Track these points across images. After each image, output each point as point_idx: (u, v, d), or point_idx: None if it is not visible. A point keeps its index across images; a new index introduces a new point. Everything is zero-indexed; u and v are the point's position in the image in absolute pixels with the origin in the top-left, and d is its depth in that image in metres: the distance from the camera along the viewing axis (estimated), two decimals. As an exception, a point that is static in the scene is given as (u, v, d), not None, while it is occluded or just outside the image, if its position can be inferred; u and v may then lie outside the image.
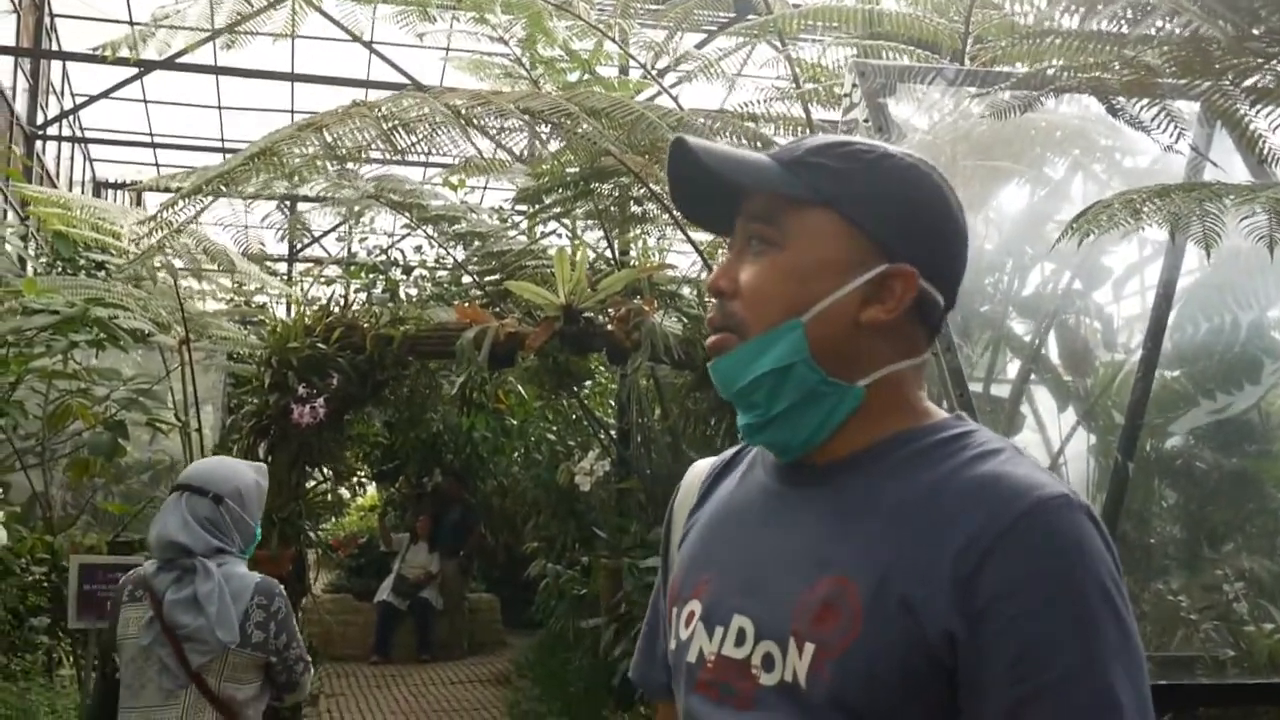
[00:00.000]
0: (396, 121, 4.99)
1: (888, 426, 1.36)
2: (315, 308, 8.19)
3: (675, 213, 6.73)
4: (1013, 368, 7.68)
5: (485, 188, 14.79)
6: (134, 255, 6.77)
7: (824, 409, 1.36)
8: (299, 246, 17.28)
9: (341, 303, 8.10)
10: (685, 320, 7.33)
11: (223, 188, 5.56)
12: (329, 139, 4.85)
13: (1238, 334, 6.24)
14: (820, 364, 1.35)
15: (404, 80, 13.22)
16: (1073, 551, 1.18)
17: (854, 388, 1.36)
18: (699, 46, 9.27)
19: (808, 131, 7.10)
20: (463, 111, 5.10)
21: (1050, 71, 4.08)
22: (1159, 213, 3.09)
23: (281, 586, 3.75)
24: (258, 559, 4.50)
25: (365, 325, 7.03)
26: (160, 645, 3.54)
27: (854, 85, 4.31)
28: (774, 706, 1.28)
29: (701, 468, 1.70)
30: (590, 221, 8.94)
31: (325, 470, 7.76)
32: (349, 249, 14.16)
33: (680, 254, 10.44)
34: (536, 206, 8.70)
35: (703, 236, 8.63)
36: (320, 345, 6.82)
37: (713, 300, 1.42)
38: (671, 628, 1.49)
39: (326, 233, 15.00)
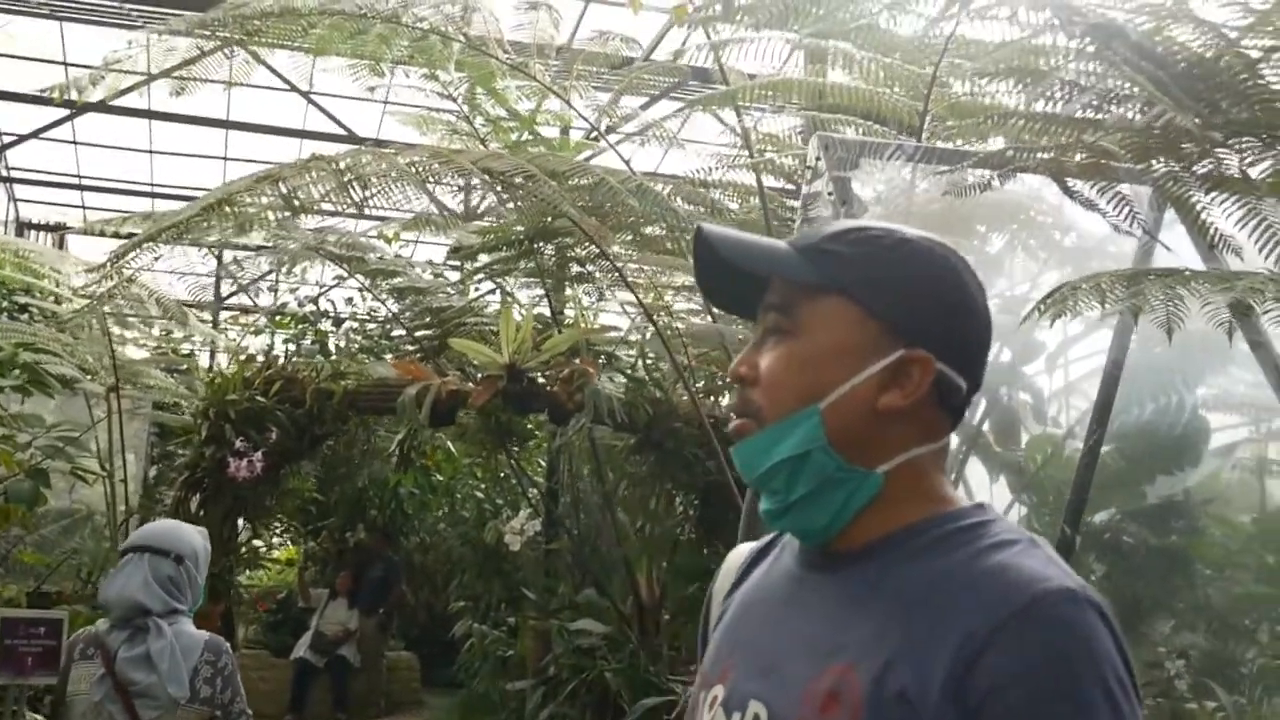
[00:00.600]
0: (353, 176, 4.96)
1: (906, 514, 1.35)
2: (244, 358, 8.10)
3: (622, 273, 6.77)
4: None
5: (417, 242, 14.72)
6: (78, 301, 6.63)
7: (842, 495, 1.35)
8: (226, 294, 17.06)
9: (274, 354, 8.02)
10: (629, 383, 7.33)
11: (163, 234, 5.48)
12: (285, 190, 4.80)
13: (1181, 415, 6.37)
14: (838, 451, 1.34)
15: (341, 131, 13.18)
16: (1073, 645, 1.16)
17: (873, 474, 1.35)
18: (643, 108, 9.33)
19: (755, 200, 7.19)
20: (421, 169, 5.09)
21: (1010, 153, 4.15)
22: (1135, 297, 3.16)
23: (229, 644, 3.81)
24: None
25: (305, 379, 6.95)
26: (111, 701, 3.57)
27: (817, 158, 4.36)
28: None
29: (742, 551, 1.69)
30: (529, 280, 8.95)
31: (252, 524, 7.66)
32: (276, 297, 14.01)
33: (613, 314, 10.48)
34: (477, 263, 8.70)
35: (629, 297, 8.68)
36: (259, 398, 6.73)
37: (735, 386, 1.43)
38: (697, 712, 1.47)
39: (254, 281, 14.83)
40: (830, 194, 4.20)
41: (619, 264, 6.54)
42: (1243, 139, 3.60)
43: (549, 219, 6.54)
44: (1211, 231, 4.15)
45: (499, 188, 6.15)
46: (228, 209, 4.92)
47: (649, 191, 5.29)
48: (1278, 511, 7.41)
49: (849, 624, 1.29)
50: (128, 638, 3.64)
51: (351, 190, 5.08)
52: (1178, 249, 4.58)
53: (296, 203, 4.89)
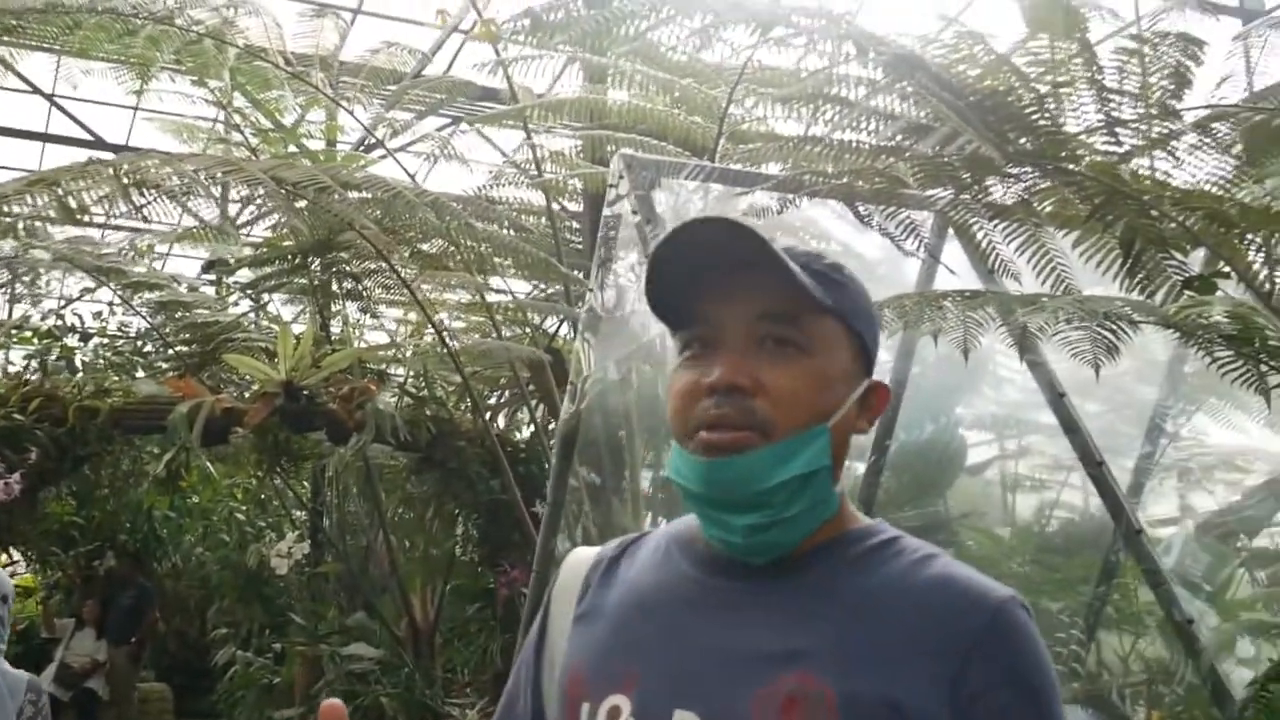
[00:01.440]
0: (133, 181, 4.72)
1: (830, 528, 1.39)
2: None
3: (412, 290, 6.66)
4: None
5: (168, 255, 14.10)
6: None
7: (820, 513, 1.38)
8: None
9: (23, 370, 7.59)
10: (412, 401, 7.22)
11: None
12: (60, 194, 4.54)
13: (945, 435, 6.66)
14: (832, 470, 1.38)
15: (87, 137, 12.54)
16: (1034, 646, 1.31)
17: (835, 493, 1.40)
18: (418, 119, 9.22)
19: (526, 217, 7.20)
20: (206, 177, 4.90)
21: (806, 177, 4.27)
22: (944, 318, 3.31)
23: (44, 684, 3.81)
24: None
25: (66, 396, 6.58)
26: None
27: (620, 177, 4.40)
28: None
29: (585, 554, 1.60)
30: (295, 295, 8.72)
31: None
32: (11, 311, 13.19)
33: (378, 332, 10.29)
34: (238, 278, 8.44)
35: (397, 314, 8.56)
36: (16, 416, 6.33)
37: (714, 395, 1.34)
38: None
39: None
40: (635, 213, 4.25)
41: (400, 280, 6.43)
42: (1026, 169, 3.82)
43: (331, 232, 6.39)
44: (991, 256, 4.39)
45: (276, 200, 5.97)
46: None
47: (446, 207, 5.23)
48: (1028, 525, 7.84)
49: (799, 632, 1.32)
50: None
51: (130, 197, 4.85)
52: (959, 272, 4.81)
53: (73, 207, 4.64)
